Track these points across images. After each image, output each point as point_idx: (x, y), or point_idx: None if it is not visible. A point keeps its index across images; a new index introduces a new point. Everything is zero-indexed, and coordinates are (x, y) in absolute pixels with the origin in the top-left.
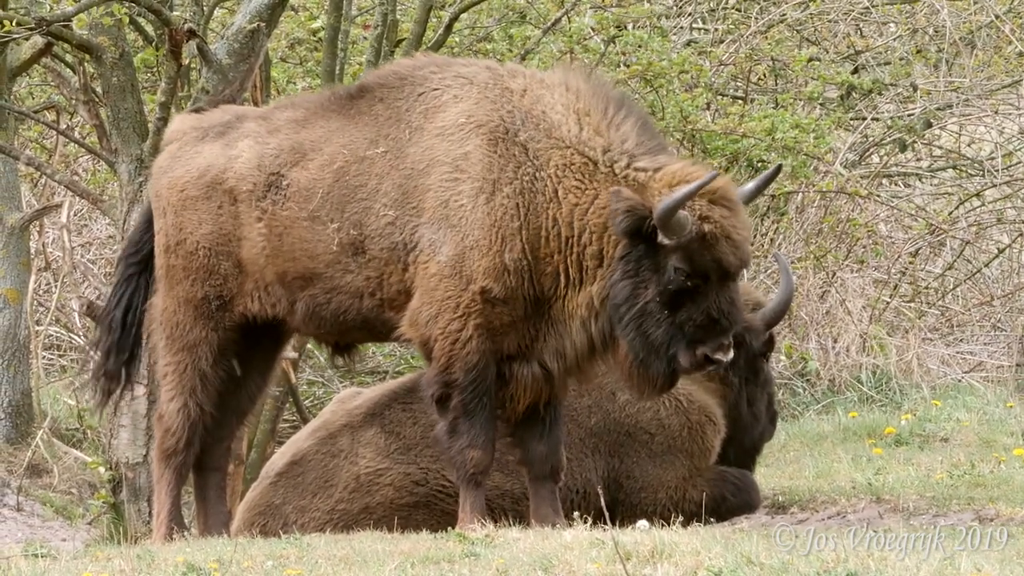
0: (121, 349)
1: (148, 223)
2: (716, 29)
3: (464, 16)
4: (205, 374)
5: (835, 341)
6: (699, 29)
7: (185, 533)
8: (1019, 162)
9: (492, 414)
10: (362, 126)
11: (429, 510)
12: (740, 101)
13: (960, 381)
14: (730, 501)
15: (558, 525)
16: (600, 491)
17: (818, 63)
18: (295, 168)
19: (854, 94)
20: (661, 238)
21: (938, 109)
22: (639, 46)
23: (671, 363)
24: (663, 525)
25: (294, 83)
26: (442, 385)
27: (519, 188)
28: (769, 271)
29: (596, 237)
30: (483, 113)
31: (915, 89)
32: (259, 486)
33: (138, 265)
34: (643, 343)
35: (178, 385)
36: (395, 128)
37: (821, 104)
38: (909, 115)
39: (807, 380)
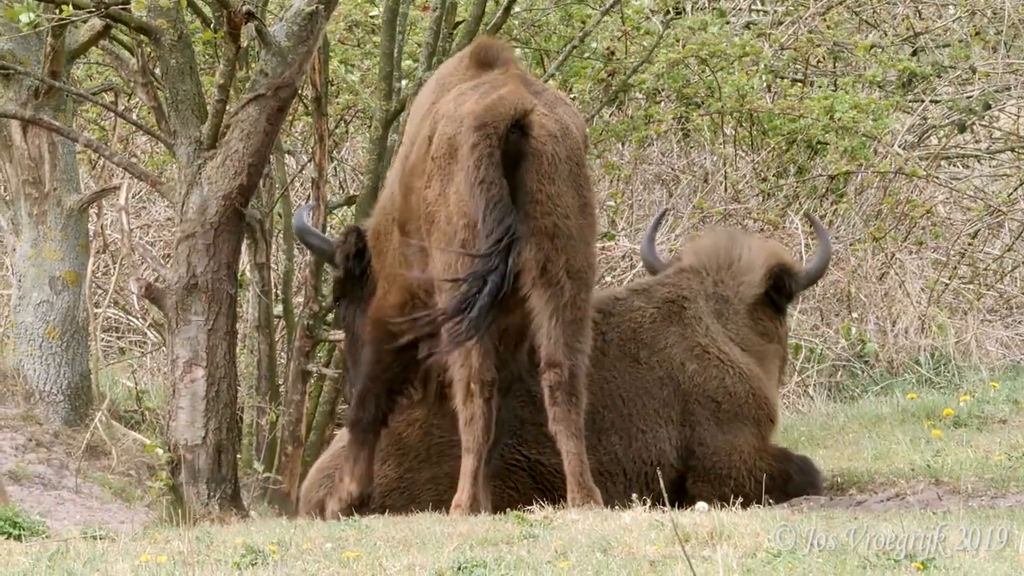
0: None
1: None
2: (776, 11)
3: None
4: None
5: (894, 323)
6: (758, 11)
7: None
8: None
9: None
10: None
11: (498, 482)
12: (799, 84)
13: (1019, 363)
14: (795, 480)
15: None
16: (659, 473)
17: (879, 51)
18: None
19: (915, 80)
20: None
21: (996, 91)
22: (698, 30)
23: None
24: (722, 507)
25: (352, 66)
26: None
27: None
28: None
29: None
30: None
31: (975, 72)
32: (333, 448)
33: None
34: None
35: None
36: None
37: (880, 86)
38: (968, 97)
39: (865, 361)
